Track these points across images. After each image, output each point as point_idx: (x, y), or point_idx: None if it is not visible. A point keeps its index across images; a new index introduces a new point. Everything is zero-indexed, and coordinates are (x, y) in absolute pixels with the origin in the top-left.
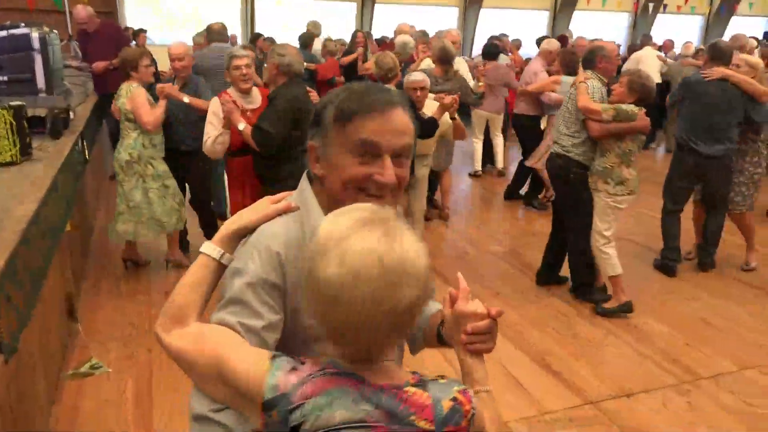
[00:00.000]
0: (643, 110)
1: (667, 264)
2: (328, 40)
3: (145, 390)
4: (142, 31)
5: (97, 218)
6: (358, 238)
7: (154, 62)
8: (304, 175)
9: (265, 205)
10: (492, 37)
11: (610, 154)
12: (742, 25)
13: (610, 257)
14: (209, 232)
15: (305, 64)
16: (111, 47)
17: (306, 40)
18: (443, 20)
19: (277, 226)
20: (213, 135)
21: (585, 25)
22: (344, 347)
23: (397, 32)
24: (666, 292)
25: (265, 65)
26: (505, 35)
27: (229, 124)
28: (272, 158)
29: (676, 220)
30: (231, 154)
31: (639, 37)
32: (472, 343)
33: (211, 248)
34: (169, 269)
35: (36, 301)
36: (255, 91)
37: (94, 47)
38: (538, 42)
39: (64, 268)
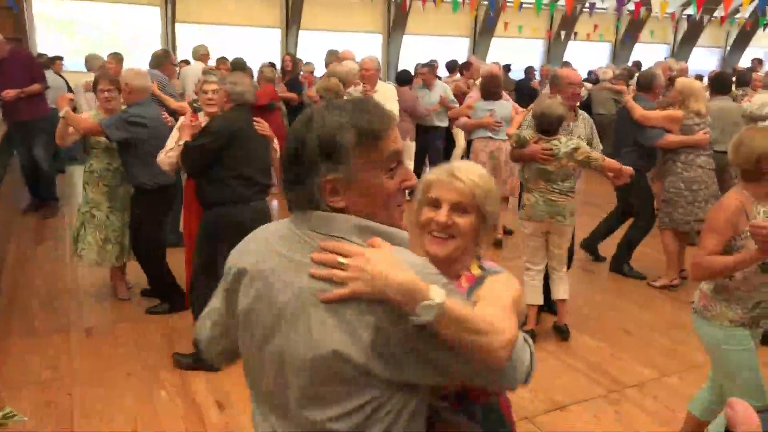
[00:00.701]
0: (534, 138)
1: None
2: (264, 66)
3: None
4: (57, 58)
5: (8, 253)
6: None
7: (70, 90)
8: (352, 221)
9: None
10: (421, 64)
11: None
12: (645, 51)
13: (528, 285)
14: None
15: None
16: (21, 75)
17: (240, 65)
18: (368, 47)
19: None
20: (167, 147)
21: (503, 51)
22: None
23: (341, 58)
24: (590, 304)
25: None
26: (434, 61)
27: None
28: (204, 181)
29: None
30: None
31: (552, 62)
32: None
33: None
34: (91, 304)
35: None
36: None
37: (4, 75)
38: (448, 66)
39: None
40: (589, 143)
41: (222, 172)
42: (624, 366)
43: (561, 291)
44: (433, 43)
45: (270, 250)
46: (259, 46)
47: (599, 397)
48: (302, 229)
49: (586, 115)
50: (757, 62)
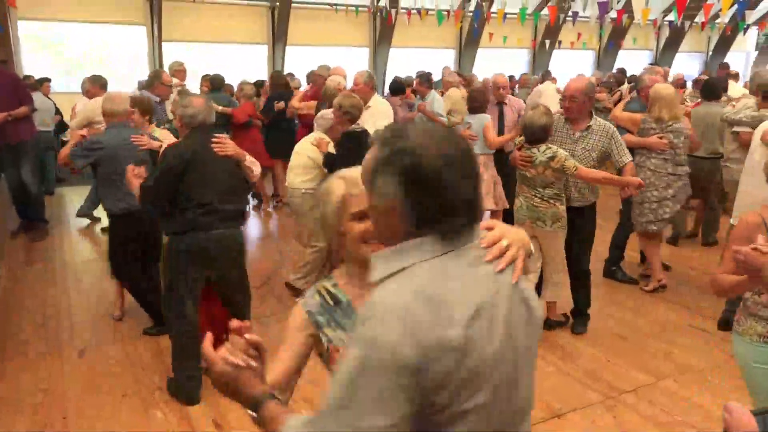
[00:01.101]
0: (518, 145)
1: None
2: (244, 83)
3: None
4: (46, 80)
5: None
6: None
7: (58, 112)
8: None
9: None
10: (420, 74)
11: None
12: (628, 58)
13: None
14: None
15: (219, 108)
16: (9, 97)
17: (219, 83)
18: (354, 61)
19: None
20: None
21: (489, 61)
22: None
23: (334, 74)
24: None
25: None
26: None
27: None
28: (164, 212)
29: None
30: None
31: (537, 72)
32: None
33: None
34: (83, 325)
35: None
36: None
37: None
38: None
39: None
40: (606, 154)
41: (177, 200)
42: (619, 371)
43: (547, 294)
44: (420, 56)
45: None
46: (246, 63)
47: (596, 403)
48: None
49: (606, 125)
50: (725, 69)
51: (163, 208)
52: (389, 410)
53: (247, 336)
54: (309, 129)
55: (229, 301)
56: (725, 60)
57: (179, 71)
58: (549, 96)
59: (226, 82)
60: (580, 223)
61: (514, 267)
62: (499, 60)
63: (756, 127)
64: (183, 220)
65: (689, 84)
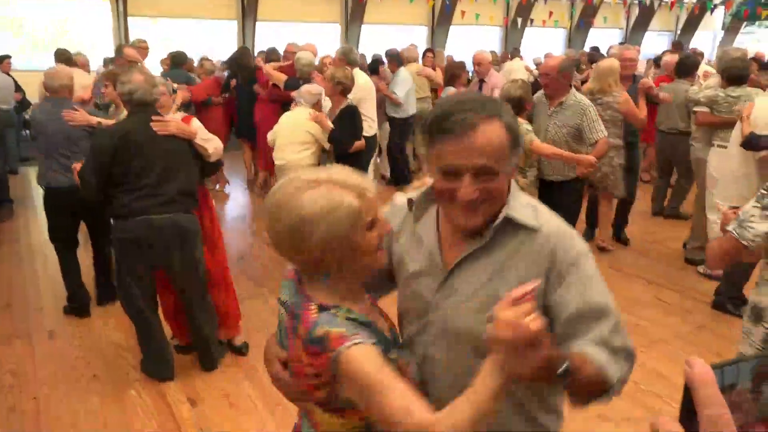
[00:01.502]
0: None
1: None
2: (204, 59)
3: None
4: (6, 57)
5: None
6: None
7: (20, 89)
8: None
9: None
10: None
11: None
12: (599, 37)
13: None
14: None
15: (175, 86)
16: None
17: (180, 59)
18: (326, 37)
19: None
20: None
21: (461, 39)
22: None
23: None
24: None
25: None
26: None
27: None
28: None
29: None
30: None
31: (509, 49)
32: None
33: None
34: (52, 306)
35: None
36: (175, 116)
37: None
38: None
39: None
40: (578, 129)
41: (112, 184)
42: None
43: None
44: (392, 33)
45: None
46: (215, 39)
47: None
48: None
49: (580, 102)
50: (678, 48)
51: (104, 193)
52: None
53: None
54: (273, 104)
55: (180, 289)
56: (693, 39)
57: (141, 49)
58: (519, 73)
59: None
60: (557, 198)
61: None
62: (472, 38)
63: (711, 106)
64: (118, 205)
65: (645, 62)
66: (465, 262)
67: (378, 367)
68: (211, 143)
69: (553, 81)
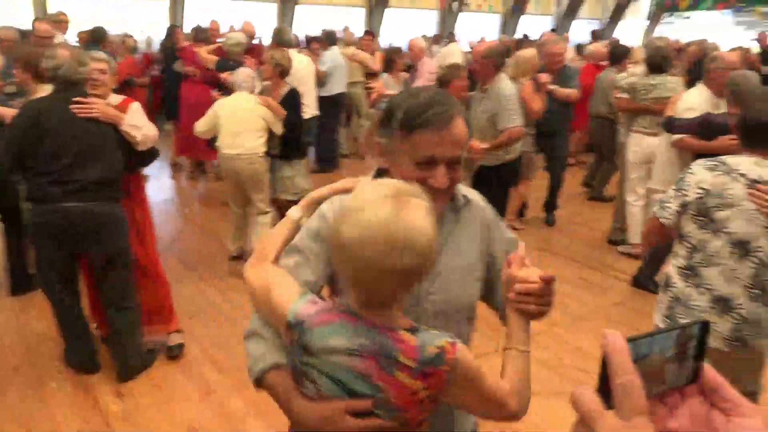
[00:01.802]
0: None
1: None
2: (125, 35)
3: None
4: None
5: None
6: (372, 209)
7: None
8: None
9: (341, 184)
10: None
11: None
12: (530, 23)
13: None
14: None
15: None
16: None
17: (98, 34)
18: (262, 17)
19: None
20: None
21: (398, 22)
22: (357, 293)
23: (245, 30)
24: None
25: None
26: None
27: None
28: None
29: None
30: None
31: (445, 33)
32: (519, 303)
33: (294, 211)
34: None
35: None
36: (113, 99)
37: None
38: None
39: None
40: (493, 117)
41: (24, 165)
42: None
43: None
44: (329, 13)
45: None
46: (145, 16)
47: (492, 352)
48: None
49: (501, 89)
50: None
51: (22, 175)
52: None
53: None
54: (202, 86)
55: (99, 283)
56: (619, 27)
57: (60, 22)
58: (455, 57)
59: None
60: (495, 181)
61: None
62: (408, 21)
63: (631, 93)
64: (33, 188)
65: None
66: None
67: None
68: (140, 130)
69: (480, 67)
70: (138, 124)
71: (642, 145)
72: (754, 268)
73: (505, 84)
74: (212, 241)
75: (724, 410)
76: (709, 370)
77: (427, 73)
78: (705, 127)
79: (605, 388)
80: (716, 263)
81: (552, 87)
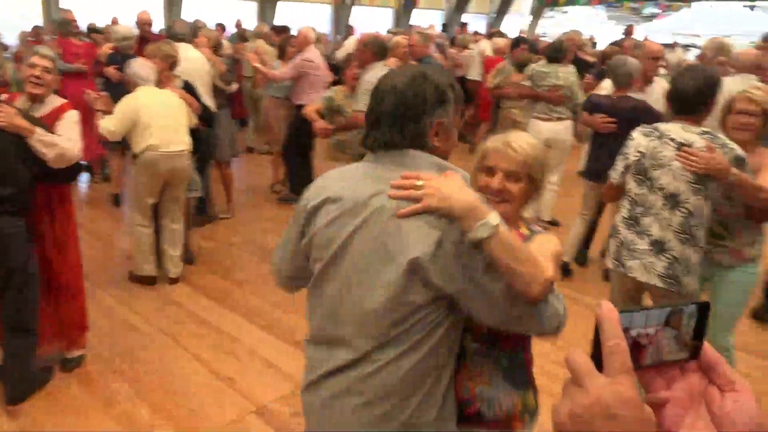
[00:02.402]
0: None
1: None
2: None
3: None
4: None
5: None
6: None
7: None
8: (433, 159)
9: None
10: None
11: None
12: (422, 17)
13: None
14: None
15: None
16: None
17: None
18: (149, 7)
19: None
20: None
21: (290, 15)
22: None
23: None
24: None
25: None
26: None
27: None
28: None
29: None
30: None
31: (340, 27)
32: None
33: (495, 218)
34: None
35: None
36: (53, 99)
37: None
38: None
39: None
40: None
41: None
42: None
43: None
44: (219, 6)
45: (352, 182)
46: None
47: None
48: (385, 165)
49: (368, 77)
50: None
51: None
52: None
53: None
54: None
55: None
56: (503, 22)
57: None
58: (353, 48)
59: None
60: None
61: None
62: (301, 14)
63: (531, 80)
64: None
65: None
66: None
67: None
68: (54, 148)
69: (358, 52)
70: (65, 135)
71: (539, 129)
72: (683, 217)
73: (374, 72)
74: (102, 243)
75: (720, 386)
76: (708, 349)
77: (300, 60)
78: (588, 107)
79: (597, 354)
80: (653, 213)
81: None
